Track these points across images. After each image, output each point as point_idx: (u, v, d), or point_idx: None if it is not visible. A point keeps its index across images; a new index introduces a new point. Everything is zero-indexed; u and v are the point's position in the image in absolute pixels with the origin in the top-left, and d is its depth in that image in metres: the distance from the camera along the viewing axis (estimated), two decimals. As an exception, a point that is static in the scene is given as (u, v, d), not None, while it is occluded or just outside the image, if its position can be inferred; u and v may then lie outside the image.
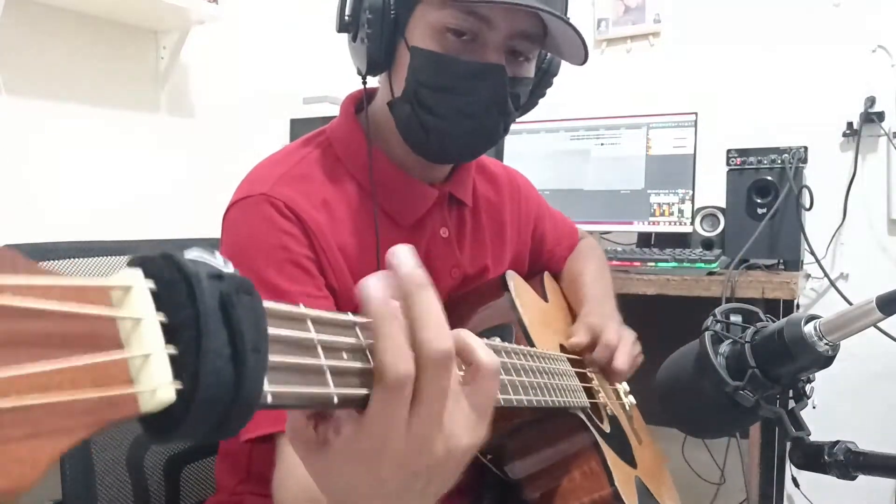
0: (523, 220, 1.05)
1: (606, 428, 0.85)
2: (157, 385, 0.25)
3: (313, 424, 0.39)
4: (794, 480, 1.78)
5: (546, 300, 0.98)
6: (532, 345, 0.77)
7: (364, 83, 0.84)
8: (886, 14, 1.86)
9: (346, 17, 0.78)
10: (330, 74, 2.20)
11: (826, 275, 1.76)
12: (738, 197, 1.67)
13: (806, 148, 1.63)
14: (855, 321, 0.57)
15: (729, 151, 1.69)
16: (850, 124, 1.89)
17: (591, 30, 2.17)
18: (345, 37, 0.82)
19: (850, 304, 0.65)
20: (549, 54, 0.86)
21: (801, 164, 1.61)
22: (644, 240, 1.95)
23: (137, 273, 0.27)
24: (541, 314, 0.91)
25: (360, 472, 0.38)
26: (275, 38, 2.18)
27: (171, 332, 0.26)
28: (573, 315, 1.06)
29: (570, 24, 0.74)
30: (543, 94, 0.89)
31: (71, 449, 0.23)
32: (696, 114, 1.86)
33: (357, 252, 0.80)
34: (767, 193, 1.63)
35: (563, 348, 0.88)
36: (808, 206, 1.62)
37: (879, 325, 0.58)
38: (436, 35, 0.75)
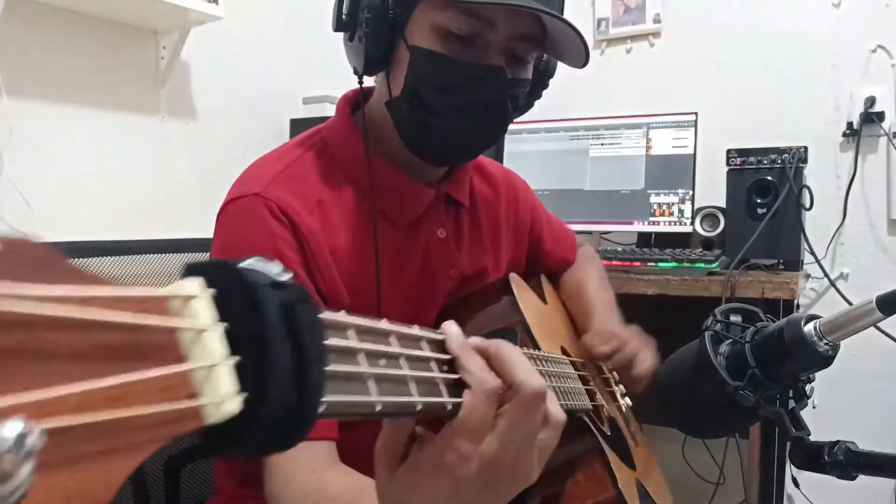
0: (521, 221, 1.05)
1: (607, 430, 0.85)
2: (223, 397, 0.25)
3: (405, 445, 0.44)
4: (794, 480, 1.78)
5: (545, 302, 0.98)
6: (537, 347, 0.77)
7: (360, 83, 0.83)
8: (886, 14, 1.86)
9: (344, 17, 0.77)
10: (330, 74, 2.19)
11: (826, 275, 1.76)
12: (738, 197, 1.67)
13: (806, 148, 1.63)
14: (855, 321, 0.57)
15: (729, 151, 1.69)
16: (850, 124, 1.89)
17: (591, 30, 2.17)
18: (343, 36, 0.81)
19: (850, 304, 0.65)
20: (545, 56, 0.86)
21: (801, 164, 1.61)
22: (644, 240, 1.95)
23: (198, 282, 0.26)
24: (541, 316, 0.91)
25: (439, 485, 0.43)
26: (275, 38, 2.18)
27: (233, 341, 0.26)
28: (571, 319, 1.06)
29: (572, 27, 0.74)
30: (539, 96, 0.89)
31: (137, 467, 0.22)
32: (696, 114, 1.86)
33: (352, 253, 0.79)
34: (767, 193, 1.63)
35: (563, 350, 0.89)
36: (808, 206, 1.62)
37: (879, 325, 0.58)
38: (437, 35, 0.75)
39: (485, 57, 0.75)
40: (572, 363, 0.85)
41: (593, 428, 0.79)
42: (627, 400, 0.99)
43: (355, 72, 0.81)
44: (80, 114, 1.68)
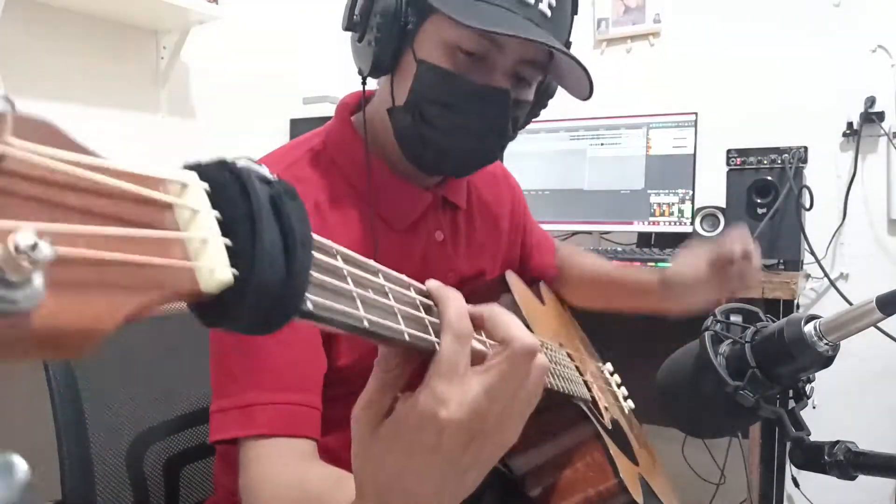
0: (515, 224, 1.05)
1: (608, 424, 0.85)
2: (216, 265, 0.27)
3: (391, 401, 0.44)
4: (794, 480, 1.78)
5: (543, 303, 0.99)
6: None
7: (364, 84, 0.83)
8: (886, 14, 1.86)
9: (355, 17, 0.77)
10: (330, 74, 2.20)
11: (826, 275, 1.76)
12: (738, 197, 1.67)
13: (806, 148, 1.63)
14: (855, 321, 0.57)
15: (729, 151, 1.69)
16: (850, 124, 1.89)
17: (591, 30, 2.17)
18: (346, 36, 0.81)
19: (850, 304, 0.65)
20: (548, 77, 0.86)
21: (801, 164, 1.61)
22: (644, 240, 1.95)
23: (192, 174, 0.29)
24: (539, 314, 0.91)
25: (422, 438, 0.42)
26: (275, 37, 2.18)
27: (225, 229, 0.29)
28: (570, 320, 1.06)
29: (580, 63, 0.75)
30: (537, 115, 0.90)
31: (141, 315, 0.25)
32: (696, 114, 1.86)
33: None
34: (767, 193, 1.63)
35: (560, 347, 0.89)
36: (808, 206, 1.62)
37: (879, 325, 0.58)
38: (446, 51, 0.75)
39: (491, 78, 0.76)
40: (569, 356, 0.85)
41: (591, 417, 0.79)
42: (630, 402, 0.99)
43: (360, 72, 0.81)
44: (80, 114, 1.68)
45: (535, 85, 0.83)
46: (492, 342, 0.46)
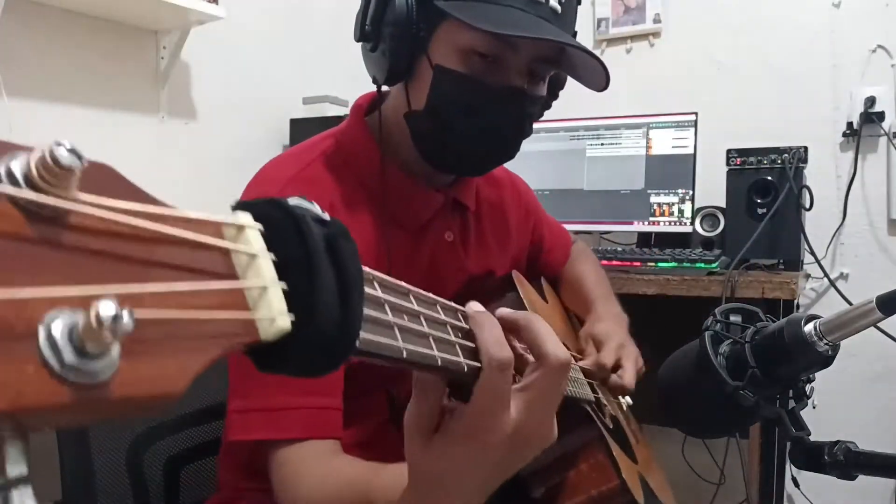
0: (524, 223, 1.06)
1: (609, 424, 0.86)
2: (275, 314, 0.27)
3: (437, 419, 0.46)
4: (794, 480, 1.78)
5: (546, 302, 0.99)
6: None
7: (379, 92, 0.83)
8: (886, 14, 1.86)
9: (367, 27, 0.78)
10: (330, 74, 2.20)
11: (826, 275, 1.76)
12: (738, 197, 1.67)
13: (806, 148, 1.63)
14: (855, 321, 0.57)
15: (729, 151, 1.69)
16: (850, 124, 1.89)
17: (591, 30, 2.17)
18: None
19: (850, 304, 0.65)
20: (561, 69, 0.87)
21: (801, 164, 1.61)
22: (644, 240, 1.95)
23: (247, 215, 0.29)
24: (543, 313, 0.91)
25: (469, 454, 0.45)
26: (275, 37, 2.18)
27: (280, 271, 0.28)
28: (571, 319, 1.06)
29: (595, 56, 0.76)
30: (550, 107, 0.91)
31: (207, 368, 0.24)
32: (696, 114, 1.86)
33: (364, 255, 0.79)
34: (767, 193, 1.63)
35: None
36: (808, 206, 1.62)
37: (879, 325, 0.58)
38: (462, 55, 0.76)
39: (507, 78, 0.77)
40: (574, 357, 0.85)
41: (596, 418, 0.79)
42: (628, 399, 0.99)
43: (375, 81, 0.82)
44: (80, 114, 1.68)
45: (547, 79, 0.84)
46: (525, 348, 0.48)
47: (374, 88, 0.83)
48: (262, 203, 0.30)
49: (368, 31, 0.78)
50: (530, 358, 0.48)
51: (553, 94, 0.89)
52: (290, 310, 0.28)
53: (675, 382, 0.68)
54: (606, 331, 0.94)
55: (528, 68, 0.78)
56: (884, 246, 1.89)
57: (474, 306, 0.47)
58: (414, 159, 0.84)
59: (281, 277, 0.28)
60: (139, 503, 0.88)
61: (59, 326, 0.20)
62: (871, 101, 1.84)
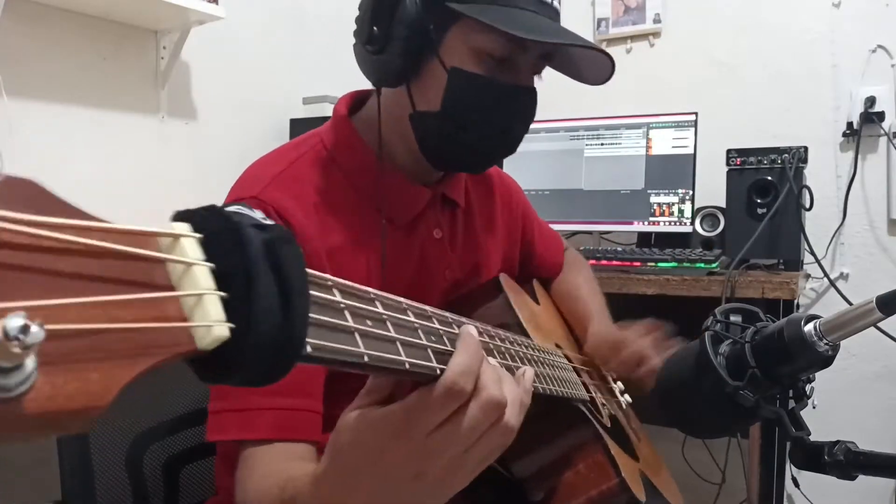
0: (514, 222, 1.06)
1: (607, 423, 0.85)
2: (212, 321, 0.27)
3: (372, 401, 0.46)
4: (794, 480, 1.78)
5: (537, 303, 0.99)
6: None
7: (379, 93, 0.83)
8: (886, 14, 1.86)
9: (374, 30, 0.76)
10: (330, 74, 2.20)
11: (826, 275, 1.76)
12: (738, 197, 1.67)
13: (806, 148, 1.63)
14: (855, 321, 0.57)
15: (729, 151, 1.69)
16: (850, 124, 1.89)
17: (591, 30, 2.17)
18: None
19: (850, 304, 0.64)
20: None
21: (801, 164, 1.61)
22: (644, 240, 1.94)
23: (184, 225, 0.28)
24: (534, 315, 0.91)
25: (373, 440, 0.45)
26: (275, 38, 2.18)
27: (220, 279, 0.28)
28: (564, 320, 1.06)
29: (605, 53, 0.80)
30: None
31: (137, 379, 0.24)
32: (696, 114, 1.86)
33: (349, 254, 0.79)
34: (767, 193, 1.63)
35: (558, 347, 0.89)
36: (808, 206, 1.62)
37: (879, 325, 0.58)
38: (475, 57, 0.77)
39: (518, 78, 0.79)
40: (566, 357, 0.85)
41: (591, 417, 0.79)
42: (627, 397, 0.99)
43: (377, 83, 0.81)
44: (80, 114, 1.68)
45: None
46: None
47: (363, 87, 0.83)
48: (200, 212, 0.29)
49: (376, 34, 0.76)
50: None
51: None
52: (229, 318, 0.27)
53: (675, 382, 0.68)
54: (617, 332, 0.96)
55: (534, 67, 0.81)
56: (884, 246, 1.89)
57: (470, 328, 0.47)
58: (405, 157, 0.84)
59: (221, 286, 0.28)
60: (139, 503, 0.88)
61: None
62: (871, 101, 1.84)
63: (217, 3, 1.75)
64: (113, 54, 1.74)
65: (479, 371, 0.45)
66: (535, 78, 0.84)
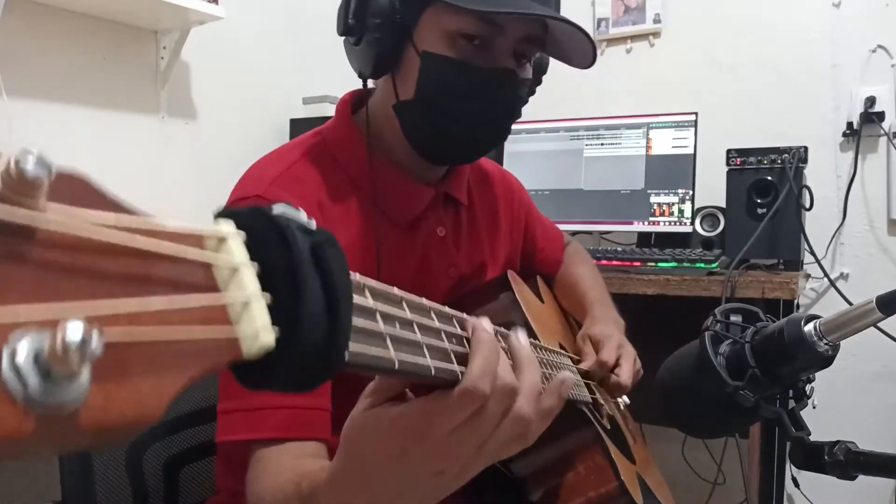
0: (516, 220, 1.06)
1: (606, 424, 0.85)
2: (259, 329, 0.26)
3: (382, 398, 0.45)
4: (794, 480, 1.78)
5: (542, 301, 0.99)
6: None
7: (365, 86, 0.83)
8: (886, 14, 1.86)
9: (350, 21, 0.77)
10: (330, 74, 2.19)
11: (826, 275, 1.76)
12: (738, 197, 1.67)
13: (806, 148, 1.63)
14: (855, 321, 0.57)
15: (729, 151, 1.69)
16: (850, 124, 1.89)
17: (591, 30, 2.17)
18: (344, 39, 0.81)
19: (850, 304, 0.65)
20: (538, 54, 0.87)
21: (801, 164, 1.61)
22: (644, 240, 1.95)
23: (230, 224, 0.27)
24: (539, 313, 0.91)
25: (390, 441, 0.44)
26: (275, 37, 2.18)
27: (264, 281, 0.27)
28: (567, 318, 1.06)
29: (581, 29, 0.76)
30: (534, 93, 0.90)
31: (187, 387, 0.23)
32: (696, 114, 1.86)
33: (353, 253, 0.79)
34: (767, 193, 1.63)
35: (561, 347, 0.89)
36: (808, 206, 1.62)
37: (879, 325, 0.58)
38: (448, 40, 0.76)
39: (495, 60, 0.77)
40: (570, 358, 0.85)
41: (593, 420, 0.79)
42: (625, 398, 0.99)
43: (360, 75, 0.81)
44: (80, 114, 1.68)
45: (532, 61, 0.84)
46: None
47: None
48: (245, 212, 0.29)
49: (352, 25, 0.77)
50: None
51: (537, 80, 0.89)
52: (274, 323, 0.26)
53: (675, 382, 0.68)
54: (605, 332, 0.94)
55: (514, 49, 0.78)
56: (884, 246, 1.89)
57: (484, 323, 0.46)
58: (405, 154, 0.83)
59: (265, 289, 0.27)
60: (138, 503, 0.88)
61: (23, 350, 0.18)
62: (871, 101, 1.84)
63: (217, 3, 1.75)
64: (113, 54, 1.74)
65: (497, 370, 0.44)
66: (528, 66, 0.82)
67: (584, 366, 0.90)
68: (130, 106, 1.80)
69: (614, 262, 1.64)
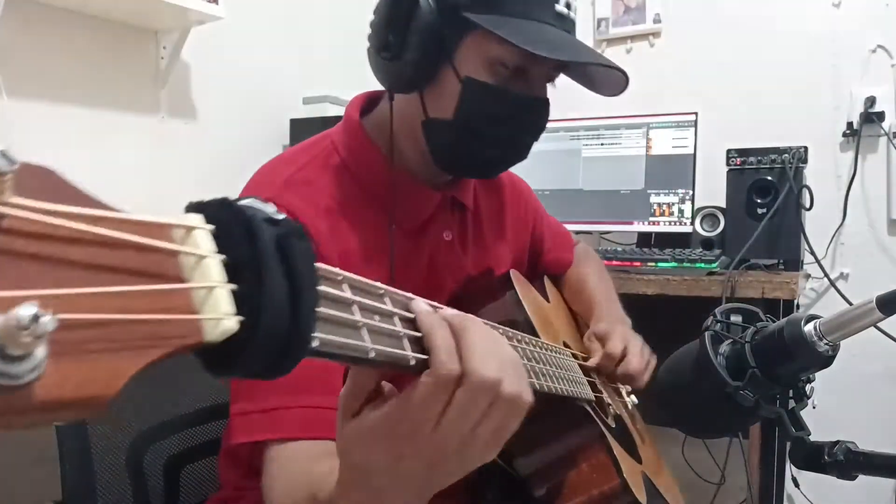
0: (523, 222, 1.06)
1: (612, 423, 0.85)
2: (221, 315, 0.27)
3: (361, 402, 0.45)
4: (794, 480, 1.78)
5: (548, 301, 0.99)
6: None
7: (391, 99, 0.83)
8: (886, 14, 1.86)
9: (389, 37, 0.77)
10: (330, 74, 2.19)
11: (826, 275, 1.76)
12: (738, 197, 1.67)
13: (806, 148, 1.63)
14: (855, 321, 0.57)
15: (729, 151, 1.69)
16: (850, 124, 1.89)
17: (591, 30, 2.17)
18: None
19: (850, 304, 0.65)
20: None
21: (801, 164, 1.61)
22: (644, 240, 1.95)
23: (197, 216, 0.28)
24: (543, 313, 0.91)
25: (384, 448, 0.44)
26: (275, 38, 2.18)
27: (230, 272, 0.28)
28: (575, 318, 1.06)
29: (621, 70, 0.81)
30: None
31: (146, 369, 0.24)
32: (696, 114, 1.86)
33: (363, 256, 0.80)
34: (767, 193, 1.63)
35: (566, 346, 0.89)
36: (808, 206, 1.62)
37: (879, 325, 0.58)
38: (488, 66, 0.77)
39: (532, 88, 0.80)
40: (574, 356, 0.85)
41: (595, 417, 0.79)
42: (633, 398, 0.99)
43: (389, 89, 0.82)
44: (81, 114, 1.68)
45: None
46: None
47: (369, 89, 0.83)
48: (213, 204, 0.30)
49: (391, 41, 0.77)
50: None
51: None
52: (238, 312, 0.28)
53: (675, 382, 0.68)
54: (609, 327, 0.95)
55: (547, 78, 0.82)
56: (884, 246, 1.89)
57: (420, 305, 0.44)
58: (414, 160, 0.84)
59: (232, 279, 0.28)
60: (139, 503, 0.88)
61: None
62: (871, 101, 1.84)
63: (217, 3, 1.75)
64: (113, 54, 1.74)
65: (461, 345, 0.43)
66: (549, 85, 0.85)
67: (592, 362, 0.90)
68: (130, 106, 1.80)
69: (614, 263, 1.64)
